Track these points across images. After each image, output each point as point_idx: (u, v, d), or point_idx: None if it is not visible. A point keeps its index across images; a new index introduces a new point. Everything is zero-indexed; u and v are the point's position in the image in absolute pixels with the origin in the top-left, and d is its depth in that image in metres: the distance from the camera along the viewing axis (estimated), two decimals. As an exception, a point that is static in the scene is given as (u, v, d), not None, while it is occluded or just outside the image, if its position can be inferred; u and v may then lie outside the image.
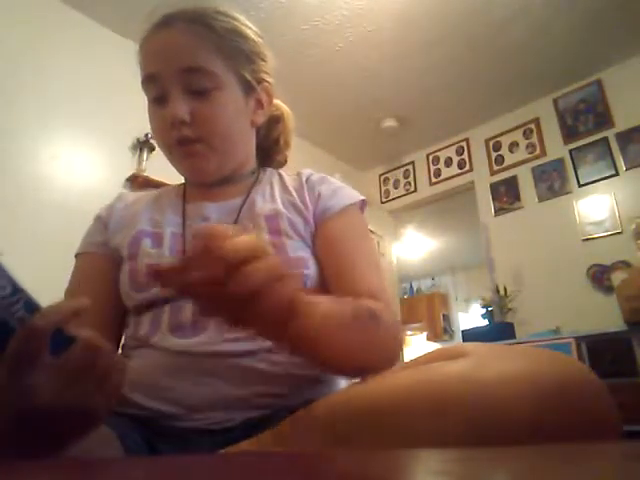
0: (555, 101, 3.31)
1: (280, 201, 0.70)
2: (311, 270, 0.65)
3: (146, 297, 0.63)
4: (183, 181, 0.79)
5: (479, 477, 0.19)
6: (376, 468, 0.21)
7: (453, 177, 3.75)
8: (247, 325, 0.41)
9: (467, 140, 3.72)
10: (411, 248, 5.85)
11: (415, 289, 7.14)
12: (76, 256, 0.73)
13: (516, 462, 0.22)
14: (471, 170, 3.66)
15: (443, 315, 6.70)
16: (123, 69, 2.41)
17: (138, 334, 0.62)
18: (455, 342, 6.18)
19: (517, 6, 2.57)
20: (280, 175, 0.78)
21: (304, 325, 0.43)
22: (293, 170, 0.81)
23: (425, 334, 6.57)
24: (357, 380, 0.47)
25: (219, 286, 0.36)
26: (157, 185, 0.89)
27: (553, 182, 3.20)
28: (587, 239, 2.97)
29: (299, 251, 0.65)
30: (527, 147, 3.38)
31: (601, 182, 3.00)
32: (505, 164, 3.47)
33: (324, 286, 0.66)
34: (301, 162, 0.87)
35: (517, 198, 3.35)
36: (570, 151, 3.16)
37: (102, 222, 0.74)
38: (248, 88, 0.70)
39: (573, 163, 3.13)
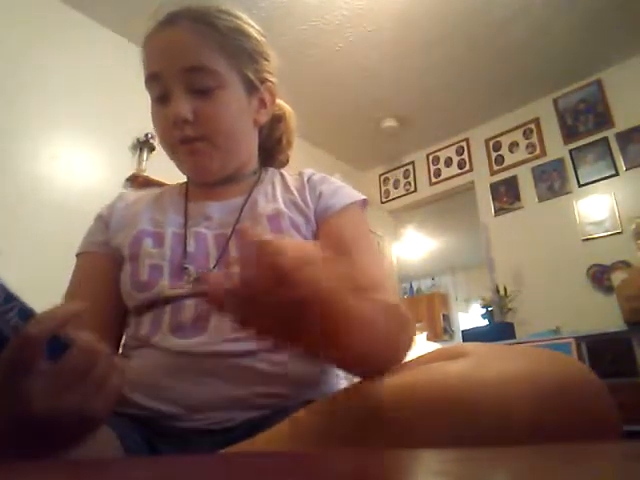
0: (555, 101, 3.31)
1: (282, 201, 0.70)
2: None
3: (147, 297, 0.63)
4: (185, 180, 0.79)
5: (479, 477, 0.19)
6: (376, 468, 0.21)
7: (453, 177, 3.75)
8: (292, 337, 0.38)
9: (467, 140, 3.72)
10: (411, 248, 5.85)
11: (415, 289, 7.14)
12: (77, 255, 0.72)
13: (516, 462, 0.22)
14: (471, 170, 3.66)
15: (443, 315, 6.70)
16: (123, 69, 2.42)
17: (139, 334, 0.62)
18: (455, 342, 6.18)
19: (517, 6, 2.57)
20: (282, 175, 0.78)
21: (357, 341, 0.40)
22: (293, 170, 0.81)
23: (425, 334, 6.56)
24: (357, 380, 0.47)
25: (268, 293, 0.34)
26: (157, 185, 0.89)
27: (553, 182, 3.20)
28: (587, 239, 2.97)
29: None
30: (527, 147, 3.38)
31: (601, 182, 3.00)
32: (505, 164, 3.47)
33: None
34: (301, 162, 0.87)
35: (517, 198, 3.35)
36: (570, 151, 3.16)
37: (103, 221, 0.73)
38: (251, 87, 0.70)
39: (573, 163, 3.13)
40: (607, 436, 0.32)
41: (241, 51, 0.68)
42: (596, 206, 2.98)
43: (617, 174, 2.95)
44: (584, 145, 3.11)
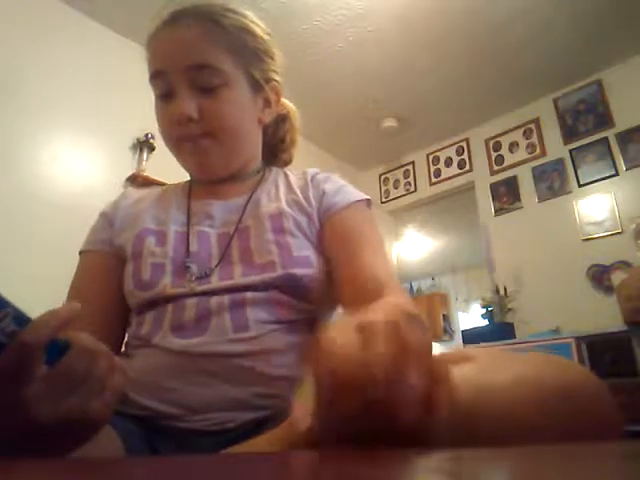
0: (555, 101, 3.31)
1: (285, 200, 0.70)
2: (315, 269, 0.65)
3: (149, 296, 0.63)
4: (188, 179, 0.79)
5: (479, 477, 0.19)
6: (376, 468, 0.21)
7: (453, 177, 3.74)
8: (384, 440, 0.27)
9: (467, 140, 3.72)
10: (411, 248, 5.84)
11: (415, 289, 7.14)
12: (80, 253, 0.72)
13: (516, 462, 0.22)
14: (471, 170, 3.66)
15: (443, 315, 6.70)
16: (124, 69, 2.42)
17: (140, 333, 0.62)
18: (455, 342, 6.18)
19: (517, 6, 2.57)
20: (286, 174, 0.78)
21: None
22: (294, 170, 0.81)
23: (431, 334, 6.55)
24: None
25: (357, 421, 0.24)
26: (157, 185, 0.89)
27: (553, 182, 3.20)
28: (587, 239, 2.96)
29: (303, 250, 0.65)
30: (527, 147, 3.38)
31: (601, 182, 3.00)
32: (505, 164, 3.47)
33: (326, 285, 0.66)
34: (300, 162, 0.87)
35: (517, 198, 3.35)
36: (570, 151, 3.16)
37: (107, 219, 0.73)
38: (256, 86, 0.70)
39: (573, 163, 3.13)
40: (611, 439, 0.32)
41: (246, 49, 0.68)
42: (596, 206, 2.98)
43: (617, 174, 2.95)
44: (584, 145, 3.11)
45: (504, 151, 3.50)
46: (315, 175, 0.75)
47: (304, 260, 0.64)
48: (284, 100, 0.81)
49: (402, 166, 4.09)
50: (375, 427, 0.24)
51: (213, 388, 0.56)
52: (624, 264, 2.75)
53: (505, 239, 3.34)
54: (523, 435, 0.29)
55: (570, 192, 3.11)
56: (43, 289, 1.30)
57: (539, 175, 3.27)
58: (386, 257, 0.69)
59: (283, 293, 0.62)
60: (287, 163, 0.86)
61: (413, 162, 4.03)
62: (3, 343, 0.34)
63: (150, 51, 0.67)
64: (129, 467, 0.30)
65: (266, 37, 0.72)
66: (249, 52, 0.69)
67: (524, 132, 3.41)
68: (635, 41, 2.86)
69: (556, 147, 3.23)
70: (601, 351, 2.41)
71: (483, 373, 0.33)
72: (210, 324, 0.59)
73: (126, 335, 0.69)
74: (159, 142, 2.41)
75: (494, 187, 3.49)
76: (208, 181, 0.74)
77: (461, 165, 3.72)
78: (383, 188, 4.18)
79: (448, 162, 3.80)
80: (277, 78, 0.74)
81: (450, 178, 3.76)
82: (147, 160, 2.48)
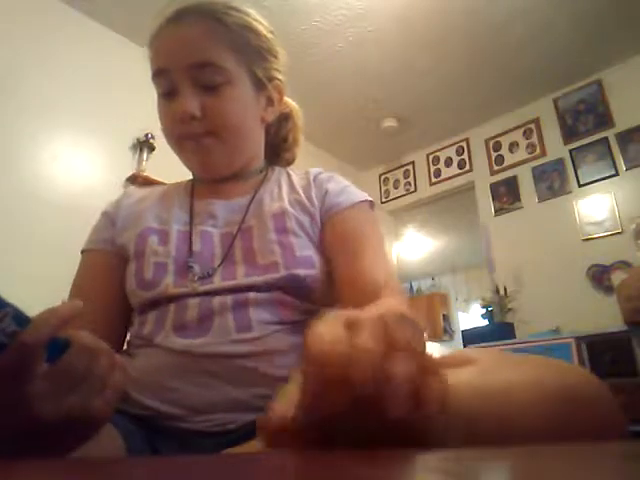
0: (555, 101, 3.31)
1: (287, 200, 0.70)
2: (317, 270, 0.65)
3: (152, 295, 0.63)
4: (191, 177, 0.79)
5: (479, 477, 0.19)
6: (376, 468, 0.21)
7: (453, 177, 3.74)
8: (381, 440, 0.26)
9: (467, 140, 3.72)
10: (411, 248, 5.84)
11: (415, 289, 7.14)
12: (82, 252, 0.72)
13: (516, 462, 0.22)
14: (471, 170, 3.66)
15: (443, 315, 6.69)
16: (124, 69, 2.42)
17: (142, 333, 0.62)
18: (455, 342, 6.18)
19: (517, 6, 2.57)
20: (288, 174, 0.77)
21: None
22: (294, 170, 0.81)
23: (425, 334, 6.55)
24: None
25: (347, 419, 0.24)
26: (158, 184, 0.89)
27: (553, 182, 3.20)
28: (587, 239, 2.97)
29: (306, 250, 0.65)
30: (527, 147, 3.38)
31: (601, 182, 3.00)
32: (505, 164, 3.47)
33: (327, 285, 0.66)
34: (300, 162, 0.87)
35: (517, 198, 3.35)
36: (570, 151, 3.16)
37: (109, 218, 0.73)
38: (259, 85, 0.70)
39: (573, 163, 3.13)
40: (612, 440, 0.32)
41: (249, 48, 0.68)
42: (596, 206, 2.98)
43: (617, 174, 2.95)
44: (584, 145, 3.11)
45: (504, 151, 3.50)
46: (318, 175, 0.75)
47: (307, 260, 0.64)
48: (287, 99, 0.80)
49: (402, 166, 4.09)
50: (361, 423, 0.24)
51: (215, 389, 0.56)
52: (624, 264, 2.75)
53: (505, 239, 3.34)
54: (523, 437, 0.29)
55: (570, 192, 3.11)
56: (43, 289, 1.30)
57: (539, 175, 3.27)
58: (387, 258, 0.69)
59: (286, 294, 0.62)
60: (290, 162, 0.85)
61: (413, 162, 4.03)
62: (4, 343, 0.34)
63: (153, 49, 0.67)
64: (129, 467, 0.30)
65: (269, 35, 0.72)
66: (252, 50, 0.68)
67: (524, 132, 3.41)
68: (635, 41, 2.86)
69: (556, 147, 3.24)
70: (601, 351, 2.41)
71: (484, 375, 0.33)
72: (213, 324, 0.59)
73: (128, 334, 0.69)
74: (159, 142, 2.41)
75: (494, 187, 3.49)
76: (211, 180, 0.73)
77: (461, 165, 3.72)
78: (383, 188, 4.18)
79: (448, 162, 3.80)
80: (280, 77, 0.74)
81: (450, 178, 3.76)
82: (147, 160, 2.48)
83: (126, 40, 2.55)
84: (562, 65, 3.04)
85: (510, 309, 3.10)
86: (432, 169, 3.89)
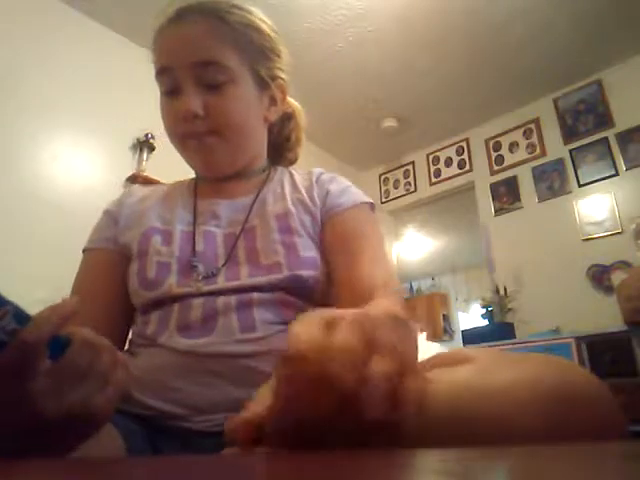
0: (555, 101, 3.31)
1: (290, 200, 0.70)
2: (319, 271, 0.65)
3: (155, 295, 0.63)
4: (193, 176, 0.79)
5: (479, 477, 0.19)
6: (376, 468, 0.21)
7: (453, 177, 3.74)
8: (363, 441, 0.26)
9: (467, 140, 3.72)
10: (411, 248, 5.84)
11: (415, 289, 7.14)
12: (84, 251, 0.72)
13: (516, 462, 0.22)
14: (471, 170, 3.66)
15: (443, 315, 6.69)
16: (124, 69, 2.42)
17: (146, 333, 0.62)
18: (455, 342, 6.18)
19: (517, 6, 2.57)
20: (291, 174, 0.78)
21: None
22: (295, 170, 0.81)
23: (425, 334, 6.56)
24: None
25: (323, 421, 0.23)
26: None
27: (553, 182, 3.20)
28: (587, 239, 2.97)
29: (309, 250, 0.65)
30: (527, 147, 3.38)
31: (601, 182, 3.00)
32: (505, 164, 3.47)
33: (327, 285, 0.66)
34: (300, 162, 0.87)
35: (517, 198, 3.35)
36: (570, 151, 3.16)
37: (112, 217, 0.73)
38: (262, 84, 0.70)
39: (573, 163, 3.13)
40: (611, 440, 0.32)
41: (252, 47, 0.68)
42: (596, 206, 2.98)
43: (617, 174, 2.95)
44: (584, 145, 3.11)
45: (504, 151, 3.50)
46: (320, 175, 0.75)
47: (310, 261, 0.64)
48: (289, 99, 0.80)
49: (402, 166, 4.09)
50: (336, 424, 0.23)
51: (217, 389, 0.56)
52: (624, 264, 2.75)
53: (505, 239, 3.34)
54: (523, 437, 0.29)
55: (570, 192, 3.11)
56: (43, 289, 1.30)
57: (539, 175, 3.27)
58: (387, 259, 0.69)
59: (289, 294, 0.62)
60: (292, 162, 0.85)
61: (413, 162, 4.03)
62: (4, 341, 0.34)
63: (156, 48, 0.67)
64: (129, 467, 0.30)
65: (272, 34, 0.71)
66: (255, 49, 0.68)
67: (524, 132, 3.41)
68: (635, 41, 2.86)
69: (556, 147, 3.24)
70: (601, 351, 2.41)
71: (482, 374, 0.33)
72: (217, 324, 0.59)
73: (130, 333, 0.69)
74: (159, 142, 2.41)
75: (494, 187, 3.49)
76: (213, 179, 0.73)
77: (461, 165, 3.72)
78: (383, 188, 4.18)
79: (448, 162, 3.80)
80: (283, 76, 0.74)
81: (450, 178, 3.76)
82: (147, 160, 2.48)
83: (126, 40, 2.55)
84: (562, 65, 3.04)
85: (510, 309, 3.10)
86: (432, 169, 3.89)
